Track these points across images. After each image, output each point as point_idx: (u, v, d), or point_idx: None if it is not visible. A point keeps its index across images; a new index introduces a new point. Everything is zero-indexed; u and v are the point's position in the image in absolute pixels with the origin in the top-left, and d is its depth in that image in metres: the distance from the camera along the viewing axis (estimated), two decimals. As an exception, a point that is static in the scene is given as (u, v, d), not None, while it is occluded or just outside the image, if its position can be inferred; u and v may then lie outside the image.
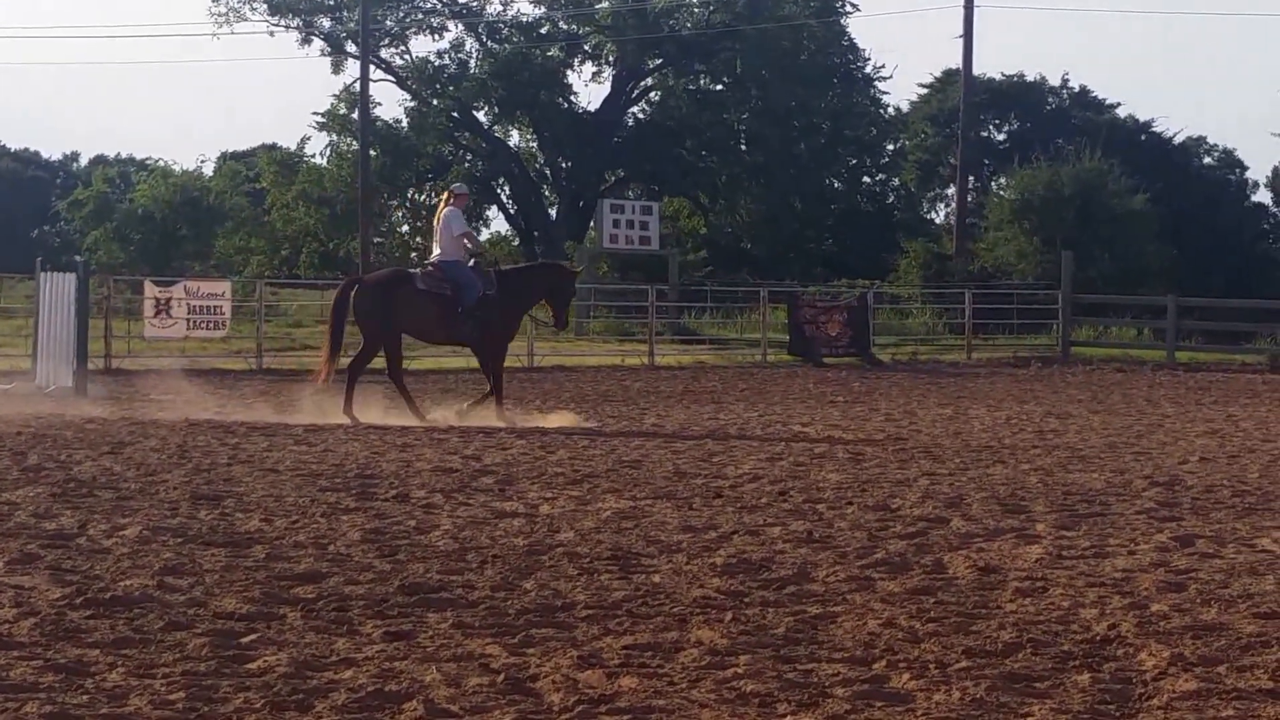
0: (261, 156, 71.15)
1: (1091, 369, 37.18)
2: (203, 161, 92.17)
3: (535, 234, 65.48)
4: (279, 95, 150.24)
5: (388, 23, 65.20)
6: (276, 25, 65.50)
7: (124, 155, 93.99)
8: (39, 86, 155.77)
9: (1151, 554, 11.23)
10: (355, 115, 59.91)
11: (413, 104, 66.16)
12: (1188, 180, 64.44)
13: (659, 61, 66.96)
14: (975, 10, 52.62)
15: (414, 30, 66.44)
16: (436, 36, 66.71)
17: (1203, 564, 10.88)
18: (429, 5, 66.30)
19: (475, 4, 66.76)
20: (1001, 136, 69.19)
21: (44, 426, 19.27)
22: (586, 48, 66.22)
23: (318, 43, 66.18)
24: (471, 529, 11.92)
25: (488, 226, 67.86)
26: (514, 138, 69.43)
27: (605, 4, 65.47)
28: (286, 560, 10.53)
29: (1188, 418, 23.88)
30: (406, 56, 66.57)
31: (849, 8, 66.70)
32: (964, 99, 54.63)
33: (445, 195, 22.20)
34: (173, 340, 33.81)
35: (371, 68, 58.89)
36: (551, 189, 68.35)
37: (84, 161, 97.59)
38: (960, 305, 42.72)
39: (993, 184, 64.13)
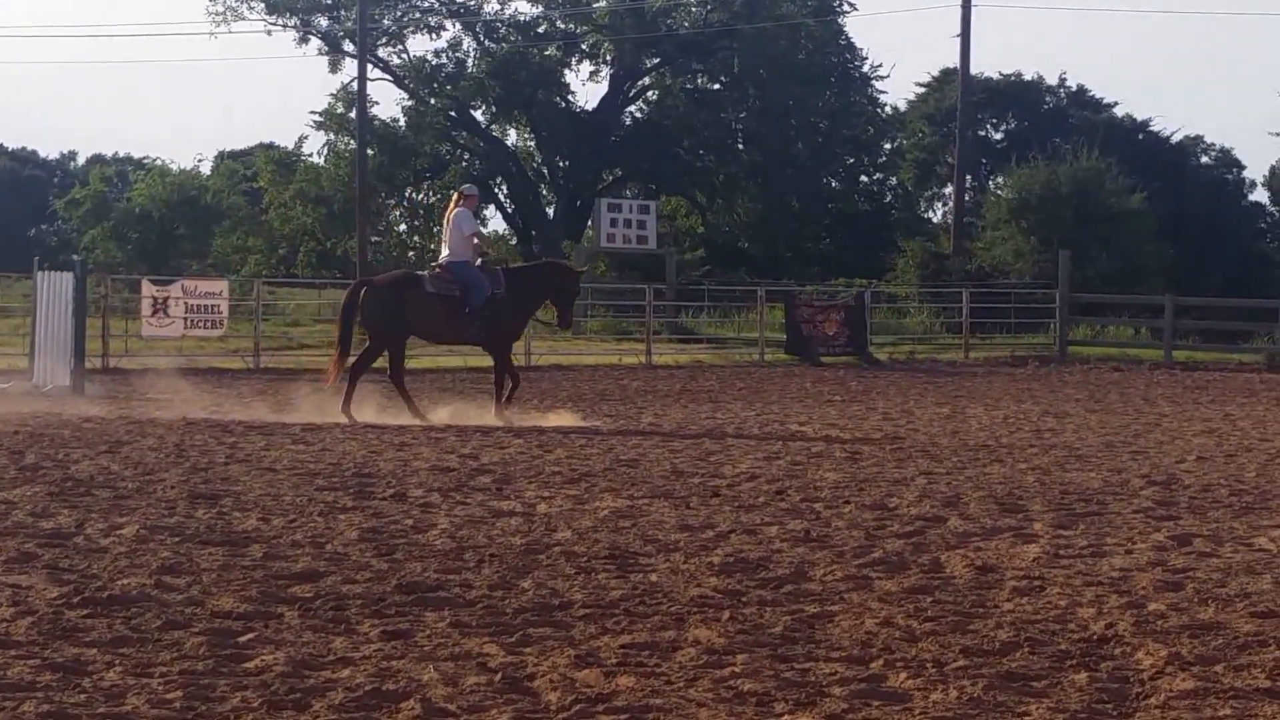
0: (259, 156, 71.12)
1: (1089, 368, 37.19)
2: (200, 161, 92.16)
3: (533, 233, 65.48)
4: (276, 94, 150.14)
5: (385, 22, 65.19)
6: (274, 24, 65.54)
7: (121, 154, 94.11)
8: (36, 85, 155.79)
9: (1149, 553, 11.24)
10: (353, 114, 59.93)
11: (410, 103, 66.17)
12: (1185, 179, 64.46)
13: (656, 61, 66.95)
14: (973, 9, 52.61)
15: (411, 29, 66.46)
16: (434, 35, 66.75)
17: (1200, 563, 10.89)
18: (426, 4, 66.28)
19: (472, 3, 66.76)
20: (999, 136, 69.21)
21: (41, 425, 19.27)
22: (584, 47, 66.23)
23: (315, 42, 66.21)
24: (469, 528, 11.92)
25: (485, 226, 67.88)
26: (511, 137, 69.49)
27: (603, 3, 65.48)
28: (284, 559, 10.53)
29: (1185, 417, 23.89)
30: (404, 55, 66.62)
31: (846, 7, 66.77)
32: (961, 98, 54.62)
33: (455, 196, 22.19)
34: (170, 339, 33.81)
35: (369, 67, 58.86)
36: (549, 188, 68.36)
37: (81, 160, 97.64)
38: (957, 304, 42.74)
39: (990, 183, 64.18)
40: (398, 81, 66.35)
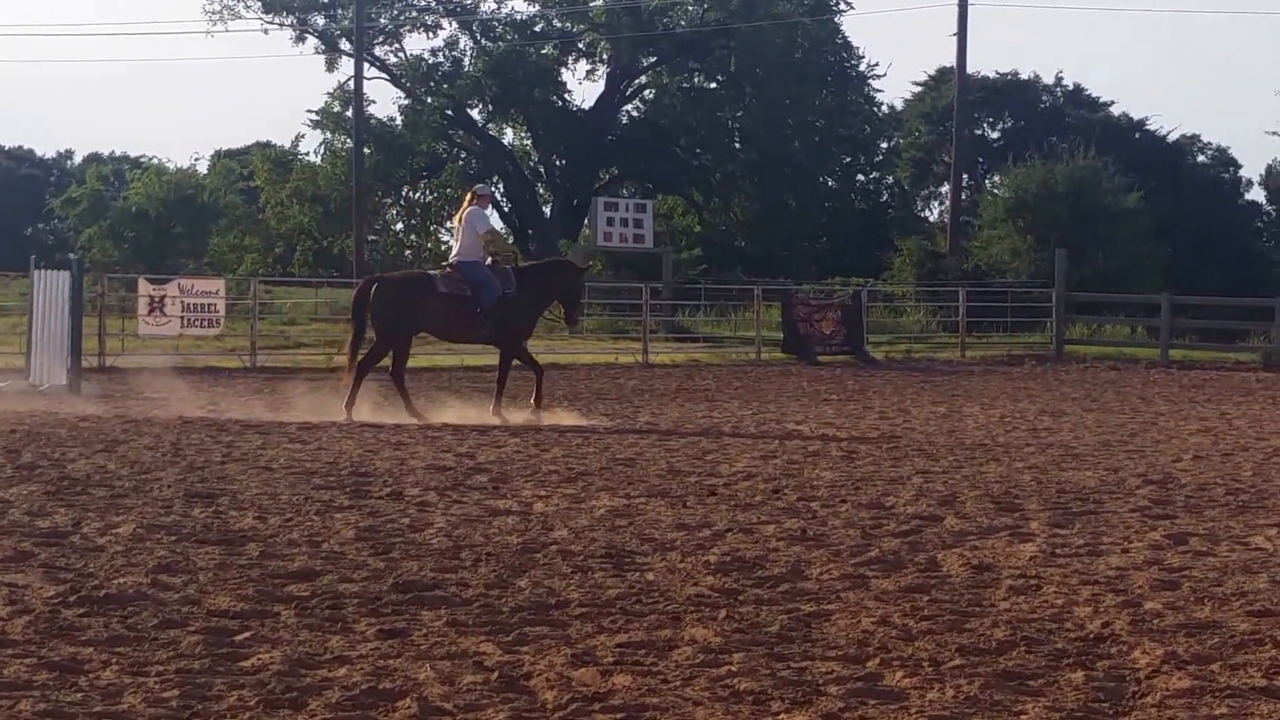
0: (255, 154, 71.11)
1: (1085, 367, 37.20)
2: (197, 159, 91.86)
3: (530, 232, 65.49)
4: (273, 93, 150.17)
5: (382, 20, 65.21)
6: (270, 23, 65.56)
7: (118, 153, 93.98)
8: (33, 84, 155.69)
9: (1145, 552, 11.24)
10: (349, 113, 59.94)
11: (407, 102, 66.18)
12: (1182, 179, 64.45)
13: (653, 59, 66.98)
14: (969, 8, 52.57)
15: (408, 28, 66.46)
16: (430, 34, 66.75)
17: (1196, 562, 10.89)
18: (423, 3, 66.29)
19: (469, 2, 66.77)
20: (995, 134, 69.20)
21: (38, 424, 19.26)
22: (580, 45, 66.26)
23: (312, 40, 66.22)
24: (465, 527, 11.93)
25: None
26: (508, 136, 69.50)
27: (599, 2, 65.49)
28: (280, 558, 10.53)
29: (1181, 416, 23.90)
30: (400, 54, 66.65)
31: (843, 6, 66.83)
32: (958, 97, 54.61)
33: (469, 195, 22.19)
34: (167, 338, 33.79)
35: (365, 65, 58.94)
36: (546, 187, 68.38)
37: (78, 159, 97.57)
38: (954, 303, 42.74)
39: (987, 182, 64.14)
40: (394, 80, 66.37)
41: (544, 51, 66.00)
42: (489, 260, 21.62)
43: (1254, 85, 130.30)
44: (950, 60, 57.00)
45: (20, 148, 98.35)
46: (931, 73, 69.26)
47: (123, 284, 39.61)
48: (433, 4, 66.23)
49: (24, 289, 31.98)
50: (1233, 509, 13.51)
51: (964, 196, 57.86)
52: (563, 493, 13.89)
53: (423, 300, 21.30)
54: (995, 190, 57.90)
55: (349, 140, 60.35)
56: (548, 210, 66.42)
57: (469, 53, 66.23)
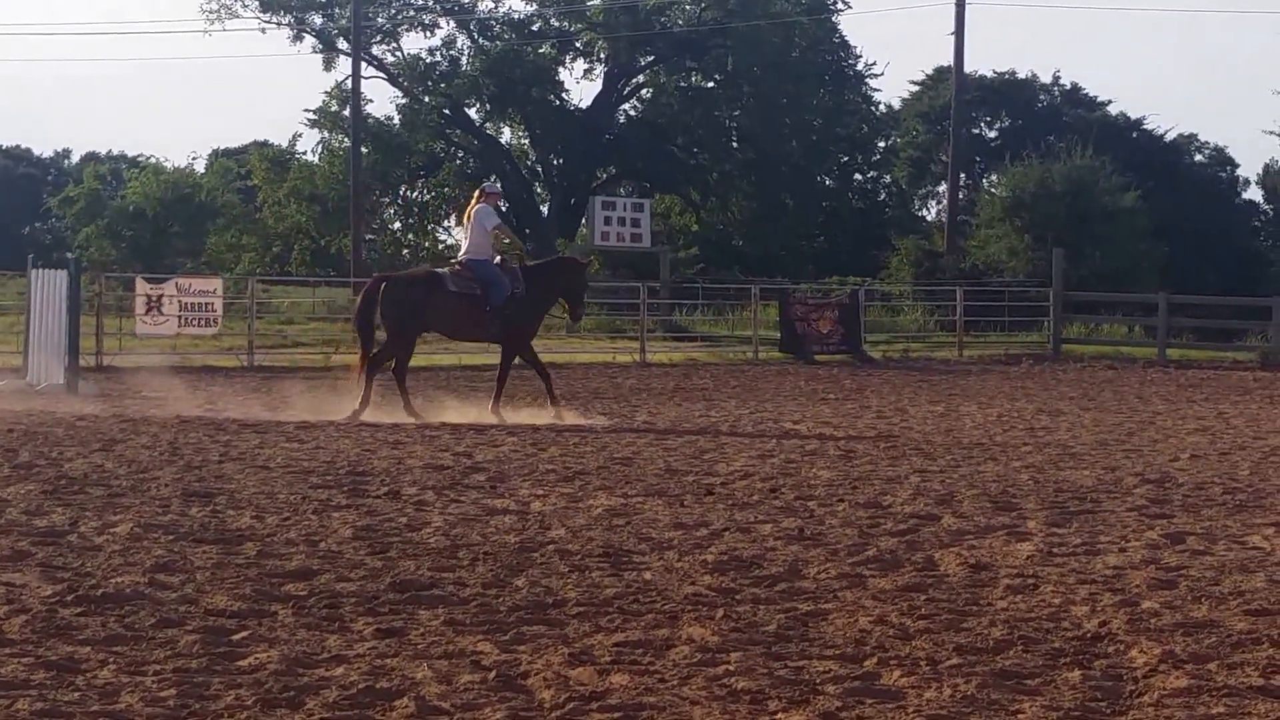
0: (253, 154, 71.12)
1: (1082, 366, 37.21)
2: (194, 158, 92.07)
3: (527, 231, 65.43)
4: (270, 92, 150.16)
5: (379, 20, 65.21)
6: (268, 22, 65.57)
7: (115, 152, 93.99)
8: (30, 83, 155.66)
9: (1142, 551, 11.25)
10: (347, 112, 59.95)
11: (404, 101, 66.19)
12: (1179, 178, 64.45)
13: (650, 59, 67.00)
14: (966, 7, 52.61)
15: (405, 27, 66.47)
16: (428, 33, 66.79)
17: (1193, 561, 10.90)
18: (420, 2, 66.32)
19: (466, 1, 66.77)
20: (993, 134, 69.21)
21: (35, 423, 19.26)
22: (578, 45, 66.26)
23: (309, 39, 66.23)
24: (463, 526, 11.93)
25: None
26: (505, 135, 69.51)
27: (596, 1, 65.49)
28: (278, 557, 10.53)
29: (1178, 415, 23.91)
30: (398, 53, 66.66)
31: (840, 5, 66.87)
32: (955, 96, 54.61)
33: (477, 192, 22.15)
34: (164, 337, 33.77)
35: (363, 65, 58.92)
36: (543, 186, 68.39)
37: (75, 158, 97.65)
38: (951, 302, 42.74)
39: (984, 181, 64.13)
40: (392, 79, 66.37)
41: (541, 51, 66.01)
42: (498, 259, 21.60)
43: (1251, 85, 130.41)
44: (948, 59, 57.02)
45: (17, 147, 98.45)
46: (929, 72, 69.36)
47: (120, 283, 39.59)
48: (430, 3, 66.26)
49: (21, 288, 31.97)
50: (1230, 508, 13.52)
51: (961, 196, 57.87)
52: (560, 492, 13.89)
53: (432, 299, 21.24)
54: (993, 189, 57.89)
55: (346, 139, 60.35)
56: (545, 209, 66.43)
57: (466, 52, 66.28)
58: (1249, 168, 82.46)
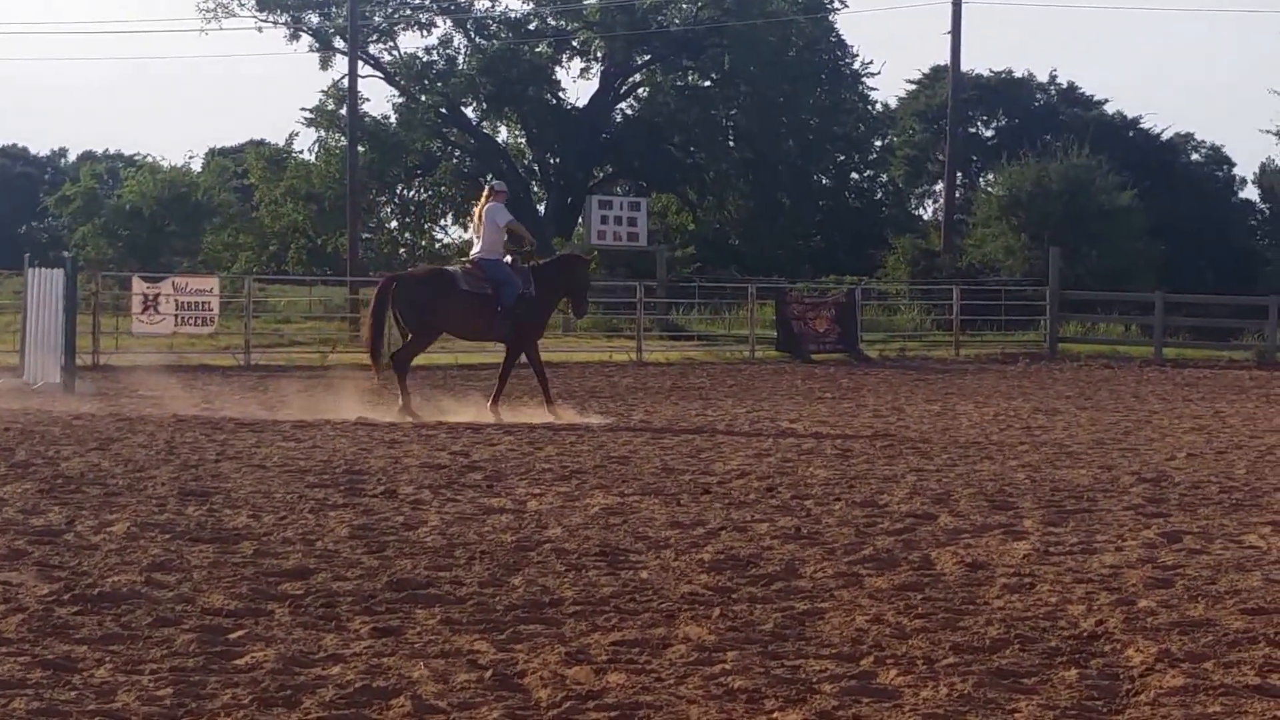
0: (249, 152, 71.06)
1: (1079, 365, 37.22)
2: (191, 157, 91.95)
3: (526, 230, 65.43)
4: (267, 91, 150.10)
5: (376, 19, 65.16)
6: (265, 21, 65.47)
7: (112, 151, 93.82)
8: (27, 82, 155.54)
9: (1139, 550, 11.25)
10: (343, 111, 59.85)
11: (401, 100, 66.15)
12: (1175, 177, 64.42)
13: (647, 58, 67.00)
14: (963, 6, 52.64)
15: (402, 26, 66.43)
16: (425, 32, 66.78)
17: (1190, 560, 10.90)
18: (417, 1, 66.27)
19: (463, 0, 66.74)
20: (989, 133, 69.20)
21: (32, 422, 19.25)
22: (575, 44, 66.25)
23: (306, 38, 66.19)
24: (459, 525, 11.93)
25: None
26: (502, 134, 69.50)
27: (593, 0, 65.47)
28: (274, 556, 10.53)
29: (1175, 414, 23.91)
30: (395, 52, 66.62)
31: (837, 4, 66.93)
32: (952, 95, 54.63)
33: (486, 191, 22.13)
34: (161, 336, 33.77)
35: (360, 64, 58.80)
36: (540, 185, 68.38)
37: (72, 157, 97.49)
38: (948, 301, 42.76)
39: (981, 180, 64.15)
40: (388, 78, 66.34)
41: (538, 49, 65.98)
42: (507, 258, 21.59)
43: (1247, 84, 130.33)
44: (944, 58, 56.98)
45: (14, 146, 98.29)
46: (925, 71, 69.28)
47: (117, 282, 39.58)
48: (427, 2, 66.23)
49: (18, 287, 31.99)
50: (1226, 507, 13.52)
51: (958, 195, 57.88)
52: (557, 491, 13.89)
53: (444, 298, 21.21)
54: (989, 188, 57.93)
55: (343, 138, 60.29)
56: (542, 208, 66.39)
57: (463, 51, 66.26)
58: (1245, 167, 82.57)
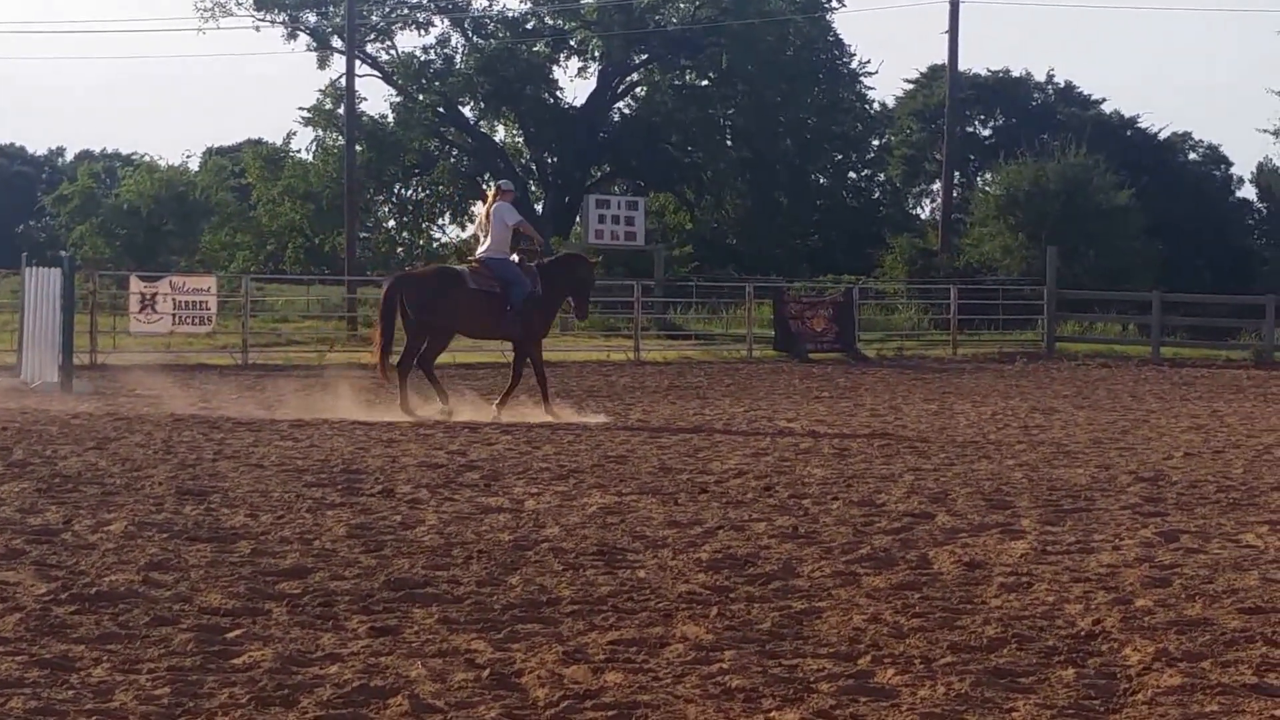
0: (247, 152, 71.08)
1: (1076, 365, 37.21)
2: (188, 157, 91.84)
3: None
4: (265, 90, 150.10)
5: (373, 18, 65.15)
6: (262, 20, 65.45)
7: (110, 150, 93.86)
8: (25, 81, 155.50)
9: (1136, 549, 11.25)
10: (341, 110, 59.86)
11: (398, 99, 66.14)
12: (1173, 176, 64.46)
13: (645, 57, 67.00)
14: (961, 6, 52.68)
15: (400, 25, 66.41)
16: (422, 32, 66.78)
17: (1187, 559, 10.90)
18: (415, 1, 66.26)
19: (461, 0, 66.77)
20: (987, 132, 69.23)
21: (29, 421, 19.24)
22: (572, 43, 66.25)
23: (303, 38, 66.16)
24: (457, 524, 11.93)
25: (473, 222, 67.68)
26: (500, 133, 69.51)
27: (591, 0, 65.50)
28: (272, 555, 10.53)
29: (1172, 413, 23.92)
30: (392, 52, 66.62)
31: (834, 3, 66.97)
32: (950, 95, 54.65)
33: (493, 191, 22.13)
34: (158, 335, 33.75)
35: (357, 63, 58.81)
36: (538, 184, 68.37)
37: (70, 157, 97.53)
38: (945, 301, 42.75)
39: (978, 179, 64.18)
40: (386, 78, 66.33)
41: (535, 49, 65.99)
42: (515, 257, 21.60)
43: (1245, 83, 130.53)
44: (942, 58, 56.98)
45: (12, 145, 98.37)
46: (923, 70, 69.31)
47: (114, 281, 39.59)
48: (424, 1, 66.22)
49: (15, 286, 31.97)
50: (1224, 506, 13.53)
51: (955, 194, 57.92)
52: (554, 490, 13.89)
53: (451, 298, 21.20)
54: (987, 188, 57.94)
55: (340, 137, 60.31)
56: (539, 208, 66.39)
57: (460, 50, 66.26)
58: (1243, 166, 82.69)
